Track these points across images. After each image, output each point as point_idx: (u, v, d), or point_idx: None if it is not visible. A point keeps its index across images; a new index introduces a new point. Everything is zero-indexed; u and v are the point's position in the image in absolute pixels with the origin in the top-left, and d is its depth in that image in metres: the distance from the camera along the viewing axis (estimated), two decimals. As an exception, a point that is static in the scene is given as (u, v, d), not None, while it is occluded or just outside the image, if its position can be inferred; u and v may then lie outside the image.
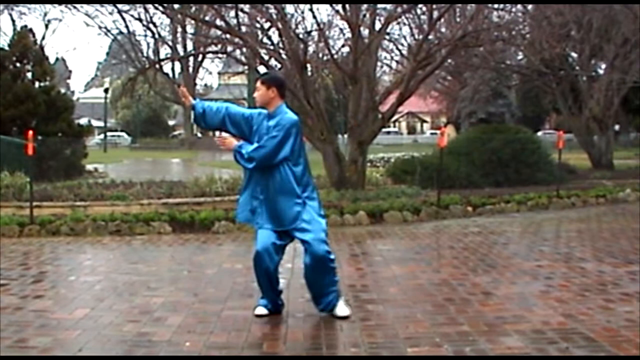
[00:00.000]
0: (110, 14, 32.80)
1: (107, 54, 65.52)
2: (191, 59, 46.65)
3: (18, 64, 18.43)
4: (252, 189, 5.02)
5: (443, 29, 15.12)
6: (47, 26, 50.44)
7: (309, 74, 13.14)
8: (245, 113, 5.13)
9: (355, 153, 12.80)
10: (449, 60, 16.61)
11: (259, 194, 4.96)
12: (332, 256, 4.92)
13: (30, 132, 10.05)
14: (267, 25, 13.26)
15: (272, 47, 13.22)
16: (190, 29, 24.40)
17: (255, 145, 4.92)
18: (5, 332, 4.62)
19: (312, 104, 12.51)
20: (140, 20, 33.46)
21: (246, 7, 12.75)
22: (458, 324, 4.80)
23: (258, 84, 5.07)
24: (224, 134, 5.13)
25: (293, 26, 12.81)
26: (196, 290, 5.96)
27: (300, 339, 4.56)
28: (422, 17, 14.45)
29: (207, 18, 14.58)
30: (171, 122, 66.46)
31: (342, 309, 4.99)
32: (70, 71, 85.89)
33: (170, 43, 37.10)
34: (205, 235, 9.30)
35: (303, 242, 4.89)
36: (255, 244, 4.95)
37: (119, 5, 20.46)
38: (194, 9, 14.85)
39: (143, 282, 6.29)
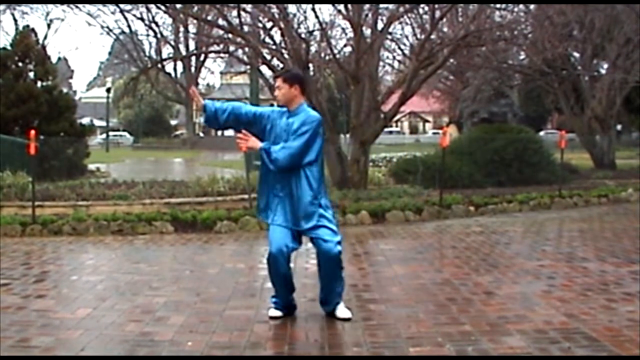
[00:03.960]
0: (113, 13, 32.98)
1: (110, 53, 65.73)
2: (193, 58, 46.72)
3: (20, 64, 18.49)
4: (271, 185, 4.88)
5: (445, 29, 15.11)
6: (49, 26, 50.52)
7: (311, 73, 13.16)
8: (257, 112, 4.98)
9: (357, 153, 12.80)
10: (451, 60, 16.59)
11: (279, 191, 4.84)
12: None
13: (33, 132, 10.02)
14: (269, 24, 13.28)
15: (274, 47, 13.23)
16: (192, 29, 24.45)
17: (281, 145, 4.76)
18: (8, 332, 4.62)
19: (314, 103, 12.48)
20: (142, 19, 33.70)
21: (248, 7, 12.77)
22: (460, 324, 4.80)
23: (279, 82, 4.91)
24: (247, 133, 4.89)
25: (295, 26, 12.83)
26: (198, 289, 5.95)
27: (303, 338, 4.56)
28: (425, 16, 14.45)
29: (209, 18, 14.60)
30: (173, 122, 66.57)
31: (343, 311, 4.95)
32: (72, 71, 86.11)
33: (172, 43, 37.17)
34: (207, 235, 9.29)
35: (318, 241, 4.76)
36: (269, 243, 4.84)
37: (121, 5, 20.53)
38: (196, 8, 14.85)
39: (145, 281, 6.29)
